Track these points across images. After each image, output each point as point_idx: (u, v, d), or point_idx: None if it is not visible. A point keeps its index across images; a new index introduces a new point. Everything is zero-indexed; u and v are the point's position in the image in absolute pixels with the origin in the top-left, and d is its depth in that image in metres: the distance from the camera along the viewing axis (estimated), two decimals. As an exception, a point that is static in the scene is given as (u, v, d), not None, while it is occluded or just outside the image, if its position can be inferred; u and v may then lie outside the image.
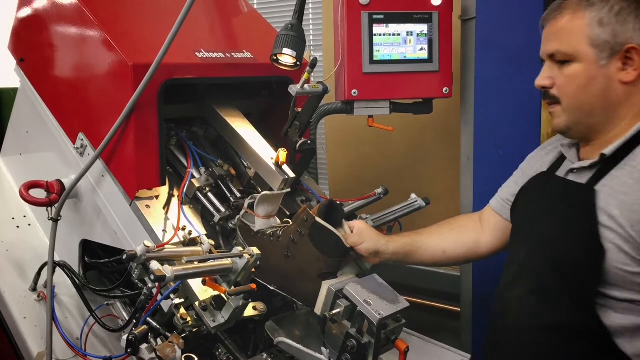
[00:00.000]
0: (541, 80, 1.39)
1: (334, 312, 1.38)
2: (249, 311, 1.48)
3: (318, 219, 1.45)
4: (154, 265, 1.25)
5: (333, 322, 1.38)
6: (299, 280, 1.47)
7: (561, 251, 1.31)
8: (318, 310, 1.43)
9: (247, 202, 1.67)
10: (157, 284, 1.33)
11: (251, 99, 2.05)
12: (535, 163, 1.55)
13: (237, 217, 1.67)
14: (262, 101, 2.08)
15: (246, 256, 1.37)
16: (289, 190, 1.70)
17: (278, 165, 1.68)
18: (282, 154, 1.67)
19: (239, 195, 1.77)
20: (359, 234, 1.55)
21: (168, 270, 1.24)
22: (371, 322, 1.32)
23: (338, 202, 1.66)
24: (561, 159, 1.47)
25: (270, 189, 1.70)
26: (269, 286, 1.52)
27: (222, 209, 1.70)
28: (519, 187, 1.54)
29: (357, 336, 1.34)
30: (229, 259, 1.37)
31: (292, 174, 1.69)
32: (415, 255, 1.64)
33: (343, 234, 1.50)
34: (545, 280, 1.33)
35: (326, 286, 1.42)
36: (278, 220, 1.67)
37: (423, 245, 1.64)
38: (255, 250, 1.39)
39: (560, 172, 1.43)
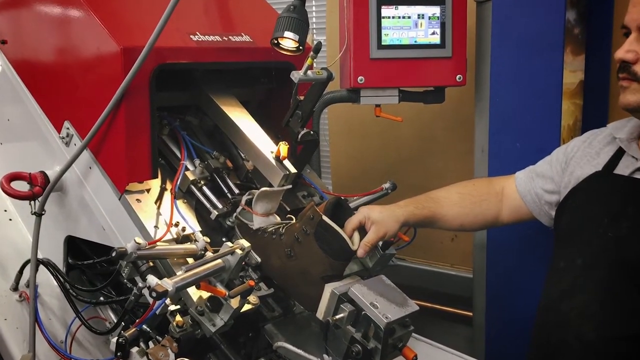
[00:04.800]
0: (623, 53, 1.31)
1: (338, 317, 1.36)
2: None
3: (325, 218, 1.44)
4: (152, 280, 1.24)
5: (336, 328, 1.37)
6: (301, 282, 1.46)
7: (634, 256, 1.27)
8: (320, 315, 1.42)
9: (244, 198, 1.66)
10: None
11: (250, 86, 2.04)
12: (584, 163, 1.50)
13: (235, 214, 1.66)
14: (262, 88, 2.07)
15: (238, 251, 1.37)
16: (289, 186, 1.69)
17: (278, 159, 1.68)
18: (283, 147, 1.66)
19: (236, 191, 1.76)
20: (376, 229, 1.54)
21: (168, 284, 1.23)
22: (378, 327, 1.31)
23: (345, 199, 1.65)
24: (616, 156, 1.42)
25: (270, 185, 1.70)
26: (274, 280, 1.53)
27: (219, 205, 1.69)
28: (558, 184, 1.53)
29: (363, 341, 1.33)
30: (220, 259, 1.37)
31: (293, 169, 1.69)
32: (432, 226, 1.70)
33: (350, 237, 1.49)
34: (616, 288, 1.30)
35: (329, 289, 1.41)
36: (278, 218, 1.66)
37: (442, 220, 1.68)
38: (244, 242, 1.39)
39: (621, 171, 1.39)
